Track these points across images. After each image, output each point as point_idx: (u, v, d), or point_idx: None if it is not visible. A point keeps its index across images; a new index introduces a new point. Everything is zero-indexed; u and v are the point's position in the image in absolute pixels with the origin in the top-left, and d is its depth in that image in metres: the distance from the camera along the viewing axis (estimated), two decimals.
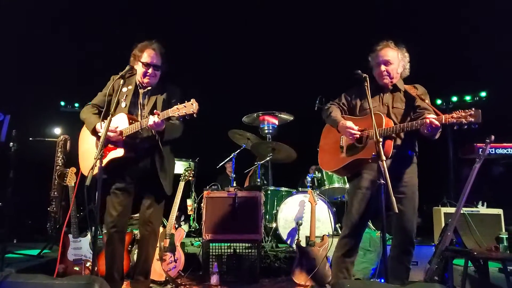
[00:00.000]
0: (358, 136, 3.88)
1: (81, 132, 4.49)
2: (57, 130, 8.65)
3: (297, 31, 9.51)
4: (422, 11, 9.11)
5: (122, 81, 4.02)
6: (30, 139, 7.11)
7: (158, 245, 4.86)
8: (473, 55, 8.80)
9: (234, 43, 9.69)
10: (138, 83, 4.28)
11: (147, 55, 4.20)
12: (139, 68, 4.22)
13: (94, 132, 4.18)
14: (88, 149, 4.33)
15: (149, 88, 4.28)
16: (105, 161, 4.05)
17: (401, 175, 3.86)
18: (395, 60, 4.03)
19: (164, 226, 5.40)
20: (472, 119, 3.38)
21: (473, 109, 3.40)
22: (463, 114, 3.40)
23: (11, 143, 6.60)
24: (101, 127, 4.10)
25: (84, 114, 4.31)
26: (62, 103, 10.37)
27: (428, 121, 3.53)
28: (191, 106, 3.74)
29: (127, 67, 4.03)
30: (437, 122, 3.51)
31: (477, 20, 8.56)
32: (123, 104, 4.21)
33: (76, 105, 10.32)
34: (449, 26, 8.98)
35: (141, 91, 4.29)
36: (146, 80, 4.21)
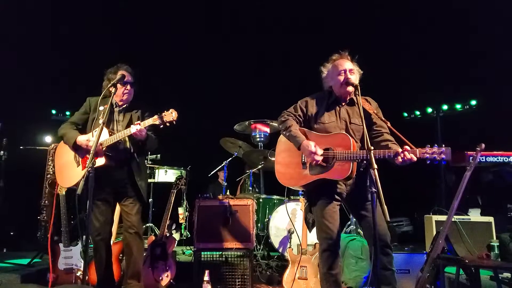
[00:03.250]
0: (319, 161, 3.80)
1: (58, 148, 4.80)
2: (48, 139, 8.61)
3: (290, 37, 9.57)
4: (414, 17, 9.20)
5: (100, 98, 4.38)
6: (21, 147, 7.08)
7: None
8: (463, 63, 8.87)
9: (227, 50, 9.73)
10: (114, 102, 4.61)
11: (121, 74, 4.45)
12: (117, 89, 4.47)
13: (75, 145, 4.46)
14: (66, 163, 4.61)
15: (124, 106, 4.64)
16: (84, 171, 4.18)
17: (366, 186, 3.75)
18: (355, 71, 3.99)
19: (156, 235, 5.38)
20: (444, 156, 3.48)
21: (444, 146, 3.49)
22: (437, 151, 3.48)
23: (2, 152, 6.57)
24: (92, 135, 4.35)
25: (63, 129, 4.62)
26: (53, 112, 10.34)
27: (402, 155, 3.54)
28: (170, 115, 4.14)
29: (119, 76, 4.34)
30: (411, 156, 3.54)
31: (469, 28, 8.65)
32: (100, 121, 4.40)
33: (67, 113, 10.30)
34: (442, 34, 9.05)
35: (116, 109, 4.64)
36: (125, 97, 4.59)
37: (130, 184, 4.51)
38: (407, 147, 3.57)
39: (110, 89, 4.28)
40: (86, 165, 3.73)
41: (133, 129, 4.19)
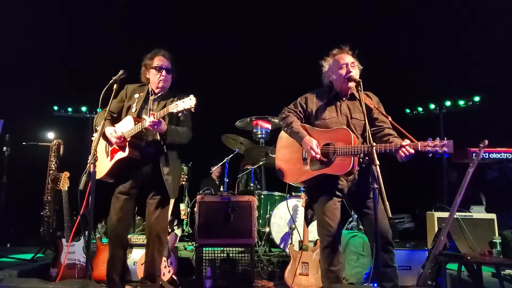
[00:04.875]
0: (318, 158, 3.78)
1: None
2: (50, 135, 8.60)
3: (290, 35, 9.56)
4: (415, 13, 9.18)
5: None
6: (24, 143, 7.09)
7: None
8: (467, 59, 8.84)
9: (228, 47, 9.72)
10: (150, 90, 4.44)
11: (158, 60, 4.38)
12: (152, 75, 4.39)
13: (104, 136, 4.22)
14: (100, 155, 4.38)
15: (159, 94, 4.43)
16: (111, 162, 4.21)
17: (367, 183, 3.63)
18: (356, 65, 3.97)
19: None
20: (446, 149, 3.42)
21: (446, 139, 3.44)
22: (439, 143, 3.43)
23: (5, 148, 6.59)
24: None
25: (96, 119, 4.45)
26: (55, 108, 10.32)
27: (404, 149, 3.52)
28: (189, 101, 3.84)
29: (121, 72, 4.07)
30: (412, 150, 3.51)
31: (471, 24, 8.62)
32: (133, 109, 4.37)
33: (69, 109, 10.27)
34: (444, 29, 9.03)
35: (151, 97, 4.43)
36: (160, 84, 4.38)
37: (156, 179, 4.26)
38: (407, 140, 3.56)
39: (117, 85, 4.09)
40: (90, 159, 3.64)
41: (147, 121, 3.96)
